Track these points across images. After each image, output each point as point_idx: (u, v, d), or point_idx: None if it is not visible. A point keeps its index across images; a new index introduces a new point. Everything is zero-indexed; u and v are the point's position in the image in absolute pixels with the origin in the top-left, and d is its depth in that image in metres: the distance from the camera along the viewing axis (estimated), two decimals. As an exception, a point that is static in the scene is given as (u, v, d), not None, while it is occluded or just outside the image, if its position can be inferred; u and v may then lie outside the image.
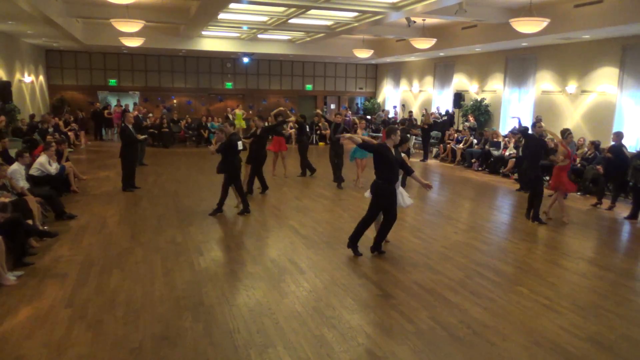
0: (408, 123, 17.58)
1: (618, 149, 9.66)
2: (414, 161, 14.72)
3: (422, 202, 10.35)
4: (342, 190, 11.02)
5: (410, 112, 20.23)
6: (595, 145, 11.63)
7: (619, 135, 9.77)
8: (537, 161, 8.49)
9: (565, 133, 9.08)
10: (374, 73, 25.67)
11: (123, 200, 9.72)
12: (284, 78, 24.27)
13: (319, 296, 5.32)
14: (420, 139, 16.55)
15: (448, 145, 16.41)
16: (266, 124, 10.98)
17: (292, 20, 13.86)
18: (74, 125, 17.83)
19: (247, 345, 4.26)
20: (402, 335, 4.49)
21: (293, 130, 13.16)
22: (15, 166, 8.00)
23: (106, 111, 20.06)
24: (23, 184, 7.89)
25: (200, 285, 5.56)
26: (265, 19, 14.35)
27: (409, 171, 6.63)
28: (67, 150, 10.81)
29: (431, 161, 16.43)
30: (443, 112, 19.05)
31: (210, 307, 5.00)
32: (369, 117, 23.39)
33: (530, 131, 9.06)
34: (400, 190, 6.83)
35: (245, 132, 15.50)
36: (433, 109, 19.76)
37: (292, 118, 12.87)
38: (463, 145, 15.68)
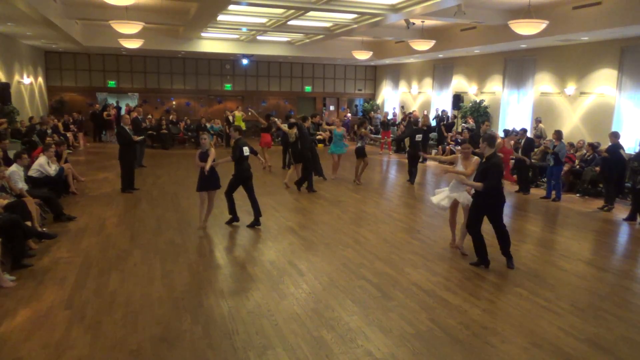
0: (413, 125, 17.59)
1: (614, 149, 9.69)
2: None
3: (421, 203, 10.37)
4: (341, 192, 11.03)
5: (411, 113, 20.22)
6: (593, 147, 11.64)
7: (615, 135, 9.83)
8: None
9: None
10: (373, 74, 25.69)
11: (122, 201, 9.72)
12: (283, 79, 24.28)
13: (318, 298, 5.32)
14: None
15: (447, 147, 16.41)
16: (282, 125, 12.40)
17: (291, 22, 13.87)
18: (72, 127, 17.82)
19: (246, 347, 4.26)
20: (402, 336, 4.49)
21: (327, 132, 13.84)
22: (14, 167, 7.98)
23: (105, 113, 20.05)
24: (22, 185, 7.88)
25: (199, 286, 5.56)
26: (264, 20, 14.35)
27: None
28: (66, 151, 10.80)
29: (430, 162, 16.44)
30: (442, 114, 19.03)
31: (209, 308, 5.00)
32: (368, 116, 23.42)
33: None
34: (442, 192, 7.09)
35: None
36: (432, 111, 19.78)
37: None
38: (462, 146, 15.66)
